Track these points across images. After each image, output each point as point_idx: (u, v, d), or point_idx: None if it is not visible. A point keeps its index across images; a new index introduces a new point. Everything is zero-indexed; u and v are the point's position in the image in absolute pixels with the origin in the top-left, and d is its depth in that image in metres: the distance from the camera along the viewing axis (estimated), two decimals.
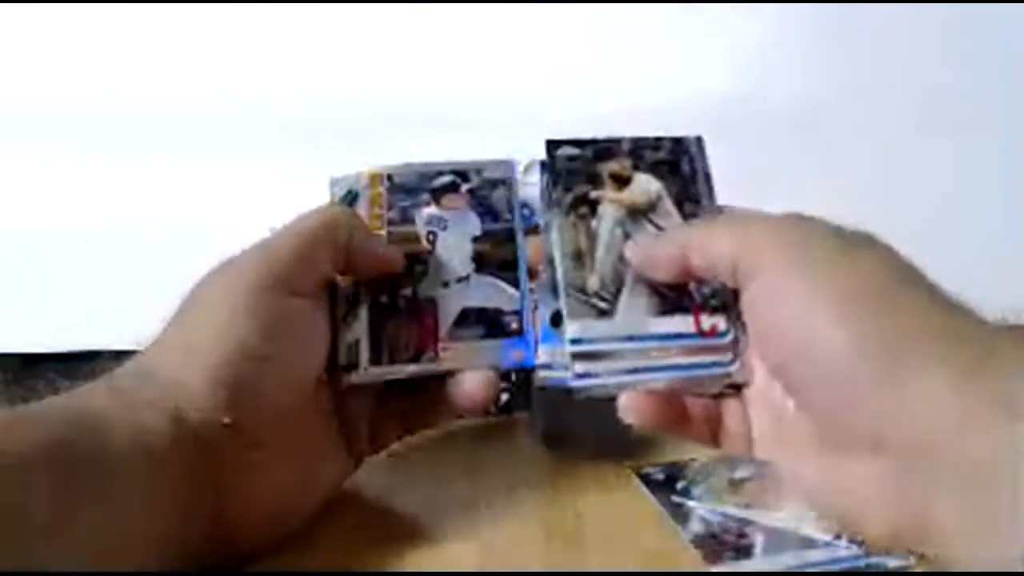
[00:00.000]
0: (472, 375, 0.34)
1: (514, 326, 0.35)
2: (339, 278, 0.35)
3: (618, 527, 0.34)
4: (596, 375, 0.32)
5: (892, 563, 0.29)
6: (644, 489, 0.36)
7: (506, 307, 0.35)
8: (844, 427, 0.28)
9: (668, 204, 0.35)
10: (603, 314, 0.33)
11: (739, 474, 0.37)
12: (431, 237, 0.36)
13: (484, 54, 0.58)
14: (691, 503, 0.35)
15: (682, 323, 0.33)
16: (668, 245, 0.33)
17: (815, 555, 0.31)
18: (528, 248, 0.37)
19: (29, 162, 0.58)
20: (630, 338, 0.32)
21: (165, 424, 0.27)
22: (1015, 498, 0.23)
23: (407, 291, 0.35)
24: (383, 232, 0.36)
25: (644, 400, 0.31)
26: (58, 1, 0.57)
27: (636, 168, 0.35)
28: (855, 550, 0.31)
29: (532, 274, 0.37)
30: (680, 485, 0.36)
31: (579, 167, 0.35)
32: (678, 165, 0.36)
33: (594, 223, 0.34)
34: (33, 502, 0.23)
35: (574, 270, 0.34)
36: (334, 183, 0.38)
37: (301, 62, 0.58)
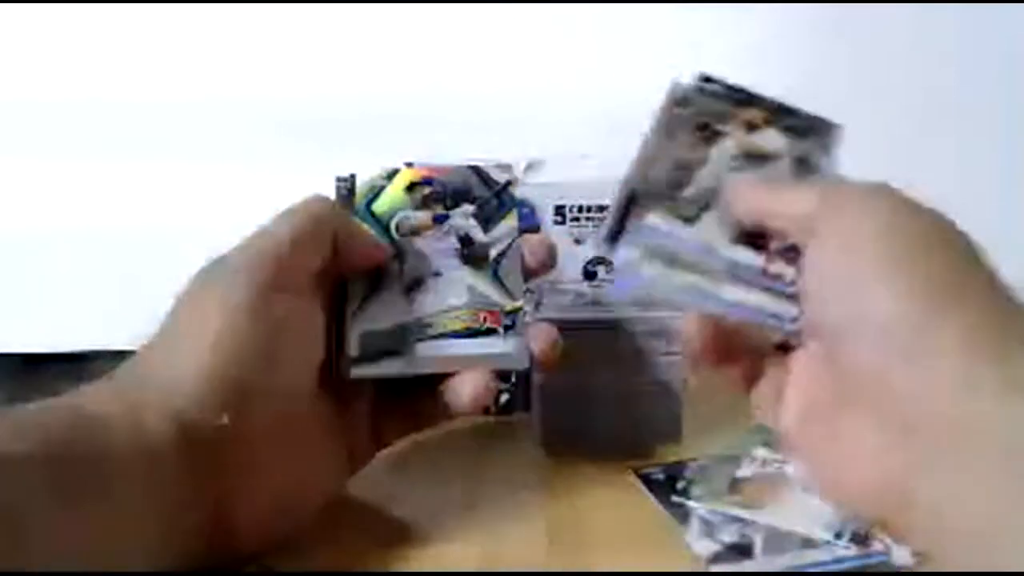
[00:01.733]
0: (472, 376, 0.34)
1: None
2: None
3: (618, 527, 0.34)
4: (663, 284, 0.32)
5: (892, 563, 0.29)
6: (644, 489, 0.36)
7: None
8: (866, 377, 0.27)
9: (785, 163, 0.35)
10: (687, 220, 0.33)
11: (739, 474, 0.37)
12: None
13: (484, 54, 0.58)
14: (691, 503, 0.35)
15: (752, 257, 0.33)
16: (751, 192, 0.33)
17: (815, 555, 0.31)
18: (525, 247, 0.37)
19: (29, 162, 0.58)
20: (702, 249, 0.32)
21: (165, 425, 0.27)
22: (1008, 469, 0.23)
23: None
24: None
25: (707, 326, 0.31)
26: (58, 1, 0.57)
27: (768, 123, 0.36)
28: (855, 550, 0.31)
29: (529, 274, 0.37)
30: (680, 485, 0.36)
31: (715, 103, 0.36)
32: (808, 136, 0.36)
33: (712, 150, 0.34)
34: (33, 502, 0.23)
35: (675, 176, 0.34)
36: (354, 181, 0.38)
37: (302, 62, 0.58)
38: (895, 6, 0.57)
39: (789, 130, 0.36)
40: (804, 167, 0.35)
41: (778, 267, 0.33)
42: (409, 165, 0.39)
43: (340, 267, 0.34)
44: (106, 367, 0.30)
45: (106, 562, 0.25)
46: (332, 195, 0.38)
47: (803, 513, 0.33)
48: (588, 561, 0.32)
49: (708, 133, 0.35)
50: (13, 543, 0.23)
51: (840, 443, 0.28)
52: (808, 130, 0.36)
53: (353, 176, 0.38)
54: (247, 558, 0.30)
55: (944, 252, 0.28)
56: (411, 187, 0.38)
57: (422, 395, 0.35)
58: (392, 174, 0.38)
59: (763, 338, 0.32)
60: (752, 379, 0.32)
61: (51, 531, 0.24)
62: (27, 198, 0.58)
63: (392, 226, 0.37)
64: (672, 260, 0.32)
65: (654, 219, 0.33)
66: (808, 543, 0.31)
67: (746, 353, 0.32)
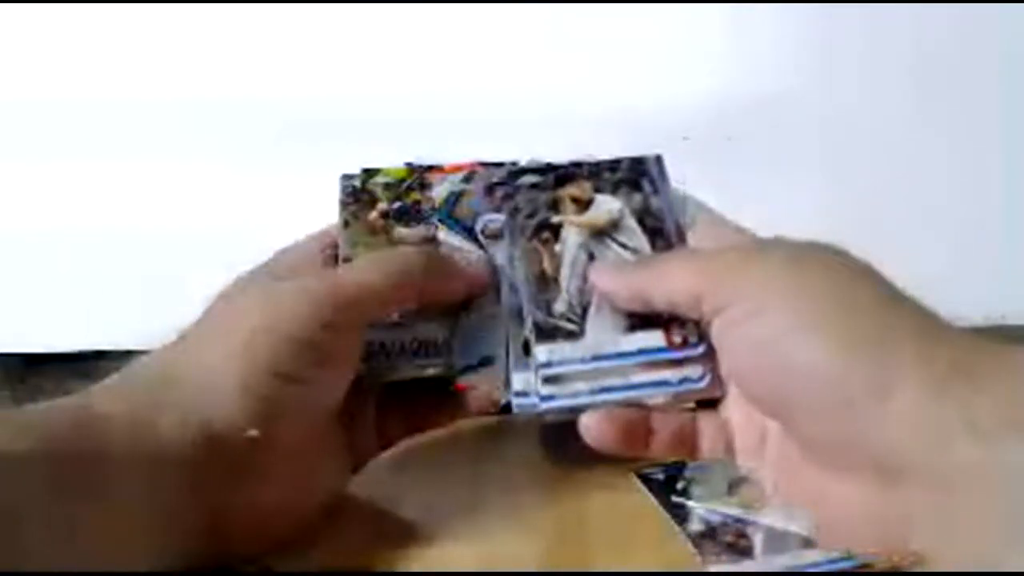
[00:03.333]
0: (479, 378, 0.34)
1: None
2: None
3: (618, 527, 0.34)
4: (562, 397, 0.32)
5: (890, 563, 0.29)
6: (644, 489, 0.36)
7: None
8: (831, 447, 0.28)
9: (631, 221, 0.35)
10: (571, 335, 0.32)
11: (739, 474, 0.37)
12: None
13: (485, 55, 0.58)
14: (691, 503, 0.35)
15: (652, 338, 0.32)
16: (627, 284, 0.32)
17: (815, 555, 0.31)
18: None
19: (29, 162, 0.58)
20: (600, 357, 0.32)
21: (182, 430, 0.27)
22: (1003, 515, 0.23)
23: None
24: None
25: (603, 420, 0.31)
26: (58, 1, 0.57)
27: (597, 190, 0.35)
28: None
29: None
30: (680, 485, 0.36)
31: (539, 194, 0.35)
32: (639, 184, 0.35)
33: (558, 247, 0.34)
34: (33, 502, 0.23)
35: (539, 294, 0.33)
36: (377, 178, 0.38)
37: (303, 63, 0.58)
38: (896, 6, 0.57)
39: (618, 186, 0.35)
40: (650, 215, 0.35)
41: (681, 333, 0.32)
42: (409, 165, 0.39)
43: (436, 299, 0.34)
44: (107, 367, 0.30)
45: (105, 562, 0.25)
46: (337, 195, 0.38)
47: (802, 513, 0.33)
48: (588, 561, 0.32)
49: (547, 234, 0.34)
50: (12, 543, 0.23)
51: (824, 504, 0.29)
52: (635, 177, 0.35)
53: (366, 170, 0.38)
54: (247, 558, 0.30)
55: (866, 293, 0.28)
56: (490, 188, 0.37)
57: (426, 397, 0.35)
58: (469, 177, 0.38)
59: (682, 402, 0.32)
60: (692, 445, 0.33)
61: (51, 531, 0.24)
62: (27, 198, 0.58)
63: (477, 229, 0.37)
64: (568, 378, 0.32)
65: (541, 352, 0.32)
66: (807, 543, 0.31)
67: (668, 424, 0.32)
